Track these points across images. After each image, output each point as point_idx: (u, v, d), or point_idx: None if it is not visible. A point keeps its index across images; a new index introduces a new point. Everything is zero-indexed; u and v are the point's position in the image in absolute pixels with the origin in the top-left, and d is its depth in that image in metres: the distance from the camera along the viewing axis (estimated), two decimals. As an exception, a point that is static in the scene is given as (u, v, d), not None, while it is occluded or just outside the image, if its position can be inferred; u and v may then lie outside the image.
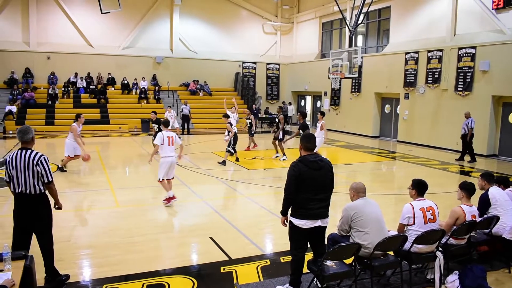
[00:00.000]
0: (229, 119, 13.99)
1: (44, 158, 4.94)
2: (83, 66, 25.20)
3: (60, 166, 12.14)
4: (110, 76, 25.88)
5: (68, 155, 11.89)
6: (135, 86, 26.07)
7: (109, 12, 21.24)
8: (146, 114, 23.87)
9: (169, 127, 8.94)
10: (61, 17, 24.78)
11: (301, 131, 12.88)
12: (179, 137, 9.16)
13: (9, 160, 4.95)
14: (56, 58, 24.62)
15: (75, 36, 25.17)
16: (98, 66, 25.59)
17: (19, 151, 4.94)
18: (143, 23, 26.69)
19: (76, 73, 25.02)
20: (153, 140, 14.03)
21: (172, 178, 9.03)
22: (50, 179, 4.98)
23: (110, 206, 8.86)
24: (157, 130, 14.25)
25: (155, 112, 15.52)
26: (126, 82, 25.91)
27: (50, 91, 23.44)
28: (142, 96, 25.44)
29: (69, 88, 24.42)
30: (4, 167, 5.05)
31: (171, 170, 8.86)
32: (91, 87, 24.90)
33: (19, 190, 4.93)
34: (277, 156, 14.70)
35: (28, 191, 4.92)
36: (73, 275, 5.40)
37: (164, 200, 8.80)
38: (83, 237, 6.93)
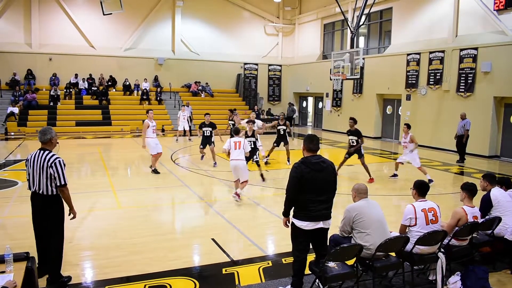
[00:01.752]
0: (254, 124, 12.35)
1: (59, 160, 5.01)
2: (85, 68, 25.27)
3: (152, 168, 12.21)
4: (111, 77, 25.91)
5: (151, 154, 12.09)
6: (137, 87, 26.12)
7: (111, 14, 21.22)
8: (148, 116, 23.93)
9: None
10: (63, 18, 24.86)
11: (354, 139, 12.10)
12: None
13: (28, 159, 5.11)
14: (58, 59, 24.69)
15: (77, 37, 25.24)
16: (100, 67, 25.65)
17: (38, 151, 5.07)
18: (145, 24, 26.74)
19: (77, 75, 25.08)
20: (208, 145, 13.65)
21: (246, 181, 9.34)
22: (63, 183, 5.02)
23: (112, 208, 8.87)
24: (209, 135, 13.52)
25: (208, 114, 14.08)
26: (128, 83, 25.96)
27: (52, 93, 23.49)
28: (144, 97, 25.49)
29: (71, 90, 24.48)
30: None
31: (240, 173, 9.23)
32: (93, 88, 24.94)
33: (34, 189, 5.06)
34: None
35: (41, 191, 5.03)
36: (75, 276, 5.41)
37: (233, 194, 9.39)
38: (85, 238, 6.93)
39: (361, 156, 11.94)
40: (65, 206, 5.27)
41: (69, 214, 5.28)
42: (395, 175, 12.46)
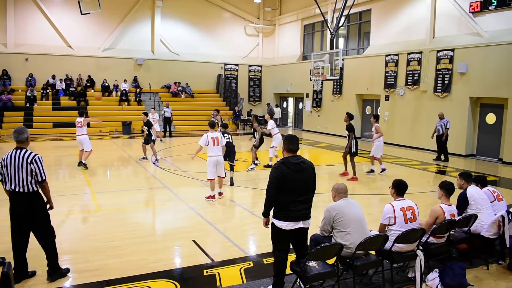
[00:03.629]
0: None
1: (38, 157, 5.17)
2: (62, 68, 24.81)
3: (84, 162, 12.95)
4: (90, 78, 25.50)
5: (91, 149, 13.11)
6: (116, 88, 25.79)
7: (89, 13, 20.96)
8: (127, 117, 23.71)
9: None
10: (40, 18, 24.38)
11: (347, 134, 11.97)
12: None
13: (4, 158, 5.17)
14: (34, 59, 24.20)
15: (54, 37, 24.79)
16: (77, 68, 25.22)
17: (15, 150, 5.17)
18: (124, 24, 26.44)
19: (54, 75, 24.63)
20: (143, 142, 14.71)
21: (224, 177, 9.70)
22: (44, 178, 5.19)
23: (90, 210, 8.75)
24: (148, 132, 14.40)
25: (146, 114, 15.18)
26: (106, 84, 25.60)
27: (28, 94, 23.02)
28: (123, 98, 25.18)
29: (48, 90, 24.01)
30: None
31: (219, 169, 9.42)
32: (70, 89, 24.52)
33: (12, 188, 5.13)
34: (252, 168, 13.34)
35: (20, 189, 5.11)
36: (53, 281, 5.32)
37: (206, 197, 9.46)
38: (63, 242, 6.78)
39: (351, 153, 11.97)
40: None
41: (46, 205, 5.40)
42: (372, 171, 13.05)
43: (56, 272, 5.37)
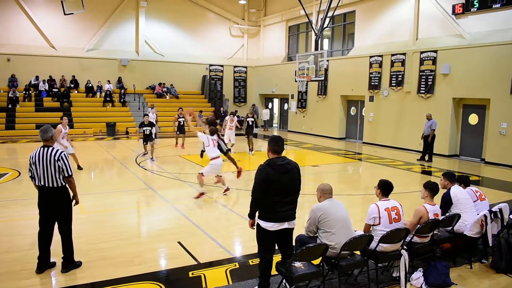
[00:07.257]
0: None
1: (64, 154, 5.52)
2: (45, 69, 24.46)
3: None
4: (73, 79, 25.21)
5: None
6: (100, 89, 25.53)
7: (72, 13, 20.69)
8: (112, 118, 23.50)
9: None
10: (22, 18, 23.99)
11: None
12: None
13: (32, 156, 5.48)
14: (16, 60, 23.81)
15: (37, 37, 24.43)
16: (61, 68, 24.89)
17: (42, 148, 5.48)
18: (108, 24, 26.19)
19: (37, 76, 24.27)
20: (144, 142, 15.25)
21: None
22: (70, 173, 5.53)
23: (74, 212, 8.61)
24: (149, 133, 14.85)
25: (147, 115, 15.87)
26: (90, 85, 25.32)
27: (10, 94, 22.64)
28: (107, 99, 24.95)
29: (31, 91, 23.65)
30: None
31: (220, 168, 10.00)
32: (53, 90, 24.18)
33: (41, 184, 5.44)
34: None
35: (49, 185, 5.43)
36: (37, 284, 5.26)
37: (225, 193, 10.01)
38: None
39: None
40: None
41: (72, 200, 5.72)
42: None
43: (71, 264, 5.70)
